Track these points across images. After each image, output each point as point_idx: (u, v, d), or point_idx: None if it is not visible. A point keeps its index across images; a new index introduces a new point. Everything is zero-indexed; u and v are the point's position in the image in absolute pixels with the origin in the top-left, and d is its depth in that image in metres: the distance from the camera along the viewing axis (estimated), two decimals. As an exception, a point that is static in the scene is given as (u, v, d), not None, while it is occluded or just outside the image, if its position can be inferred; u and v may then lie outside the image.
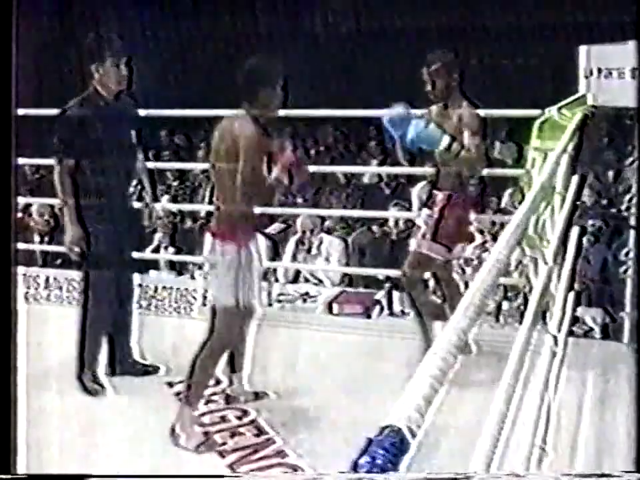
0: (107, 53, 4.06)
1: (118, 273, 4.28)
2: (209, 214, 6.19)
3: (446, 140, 3.99)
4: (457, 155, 4.02)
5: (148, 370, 4.27)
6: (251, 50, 6.99)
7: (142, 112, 4.98)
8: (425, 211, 4.29)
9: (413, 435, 1.05)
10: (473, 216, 4.28)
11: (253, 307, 3.66)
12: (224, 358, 3.74)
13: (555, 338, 3.06)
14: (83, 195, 4.11)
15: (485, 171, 4.23)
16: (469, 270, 4.90)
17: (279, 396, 3.96)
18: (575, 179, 4.02)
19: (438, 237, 4.14)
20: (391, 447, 1.02)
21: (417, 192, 6.47)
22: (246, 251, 3.53)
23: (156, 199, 4.62)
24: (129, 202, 4.35)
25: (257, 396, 3.94)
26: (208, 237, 3.60)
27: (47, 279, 5.30)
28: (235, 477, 3.24)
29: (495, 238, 4.97)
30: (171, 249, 5.80)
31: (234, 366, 3.90)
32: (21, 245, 5.89)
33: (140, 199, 4.49)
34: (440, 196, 4.19)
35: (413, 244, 4.30)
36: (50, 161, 4.44)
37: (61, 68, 4.68)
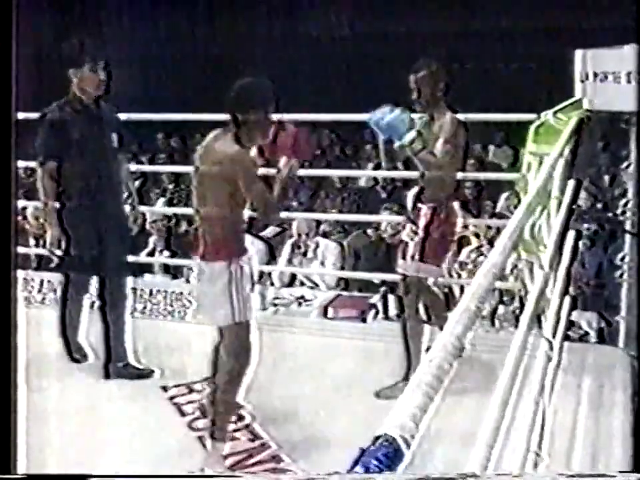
0: (85, 58, 4.08)
1: (110, 276, 4.27)
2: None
3: (410, 135, 3.97)
4: (417, 152, 4.00)
5: (142, 373, 4.24)
6: (249, 52, 6.97)
7: (138, 115, 4.99)
8: (410, 226, 4.19)
9: (407, 445, 1.03)
10: (459, 221, 4.22)
11: (249, 321, 3.49)
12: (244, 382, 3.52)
13: (550, 342, 3.04)
14: (67, 197, 4.11)
15: (482, 175, 4.20)
16: (464, 274, 4.88)
17: (273, 399, 3.92)
18: (571, 183, 4.00)
19: (425, 256, 4.08)
20: (384, 457, 0.99)
21: (412, 195, 6.44)
22: (236, 266, 3.39)
23: (141, 202, 4.62)
24: (118, 206, 4.34)
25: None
26: (195, 260, 3.50)
27: (41, 282, 5.27)
28: (235, 477, 3.21)
29: (490, 242, 4.96)
30: (166, 253, 5.77)
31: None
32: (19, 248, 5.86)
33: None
34: (424, 210, 4.13)
35: (402, 265, 4.19)
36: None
37: (56, 71, 4.65)
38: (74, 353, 4.32)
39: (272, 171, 3.44)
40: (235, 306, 3.37)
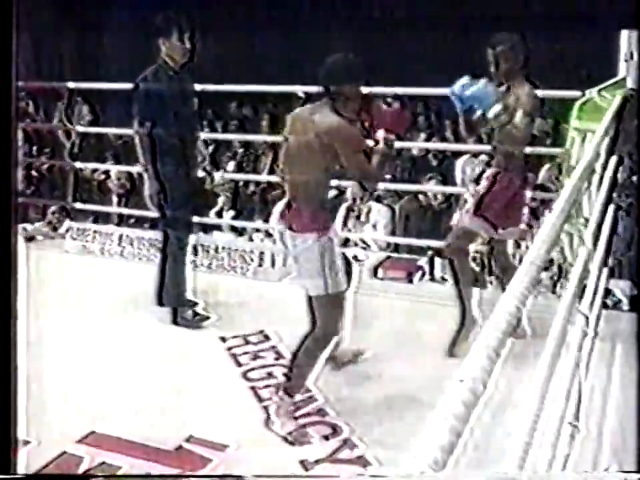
0: (173, 28, 3.84)
1: (179, 232, 4.07)
2: (269, 183, 5.89)
3: (497, 108, 3.52)
4: (502, 126, 3.58)
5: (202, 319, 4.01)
6: (314, 31, 6.62)
7: (214, 87, 4.78)
8: (474, 187, 3.83)
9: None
10: (528, 194, 3.81)
11: (342, 289, 3.11)
12: (328, 349, 3.16)
13: (587, 318, 2.68)
14: (161, 160, 3.90)
15: (527, 149, 3.78)
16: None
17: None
18: (613, 159, 3.60)
19: (480, 211, 3.69)
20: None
21: (460, 164, 6.08)
22: (325, 238, 3.03)
23: (216, 167, 4.41)
24: (196, 167, 4.14)
25: (356, 355, 3.50)
26: (287, 233, 3.09)
27: (120, 237, 5.07)
28: (236, 477, 2.93)
29: (532, 211, 4.55)
30: (231, 212, 5.50)
31: None
32: (99, 206, 5.71)
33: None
34: (488, 172, 3.74)
35: (456, 218, 3.84)
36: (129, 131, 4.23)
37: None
38: (181, 315, 4.02)
39: (370, 143, 3.13)
40: (327, 277, 3.02)
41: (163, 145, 3.88)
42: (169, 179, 3.92)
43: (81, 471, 2.96)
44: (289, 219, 3.07)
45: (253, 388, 3.41)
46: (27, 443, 2.98)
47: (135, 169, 5.25)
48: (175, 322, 4.03)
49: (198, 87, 4.22)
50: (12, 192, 2.29)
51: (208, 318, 4.02)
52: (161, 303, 4.02)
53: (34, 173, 6.23)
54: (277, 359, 3.64)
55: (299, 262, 3.08)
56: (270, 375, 3.52)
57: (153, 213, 4.12)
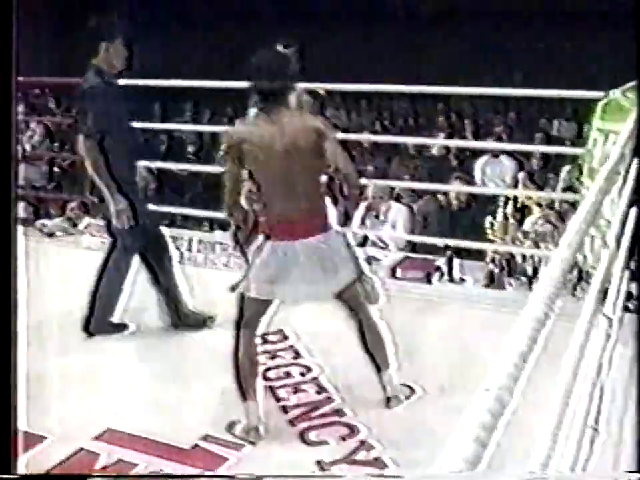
0: (117, 32, 3.65)
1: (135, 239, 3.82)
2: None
3: None
4: None
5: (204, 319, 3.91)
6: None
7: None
8: None
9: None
10: None
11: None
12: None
13: (610, 320, 2.64)
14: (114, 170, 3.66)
15: (550, 149, 3.75)
16: (527, 242, 4.45)
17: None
18: (636, 161, 3.54)
19: None
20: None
21: (480, 165, 6.04)
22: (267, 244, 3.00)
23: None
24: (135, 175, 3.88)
25: (411, 389, 3.30)
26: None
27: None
28: (242, 477, 2.91)
29: (559, 214, 4.50)
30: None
31: (378, 365, 3.19)
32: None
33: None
34: None
35: None
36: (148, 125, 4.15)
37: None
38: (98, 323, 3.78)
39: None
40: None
41: (114, 155, 3.64)
42: (126, 185, 3.69)
43: (98, 467, 2.95)
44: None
45: (270, 387, 3.39)
46: (43, 438, 2.99)
47: (155, 165, 5.22)
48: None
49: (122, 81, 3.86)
50: (12, 186, 2.27)
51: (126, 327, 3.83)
52: (87, 329, 3.76)
53: (56, 168, 6.23)
54: (295, 358, 3.61)
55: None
56: (287, 374, 3.50)
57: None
